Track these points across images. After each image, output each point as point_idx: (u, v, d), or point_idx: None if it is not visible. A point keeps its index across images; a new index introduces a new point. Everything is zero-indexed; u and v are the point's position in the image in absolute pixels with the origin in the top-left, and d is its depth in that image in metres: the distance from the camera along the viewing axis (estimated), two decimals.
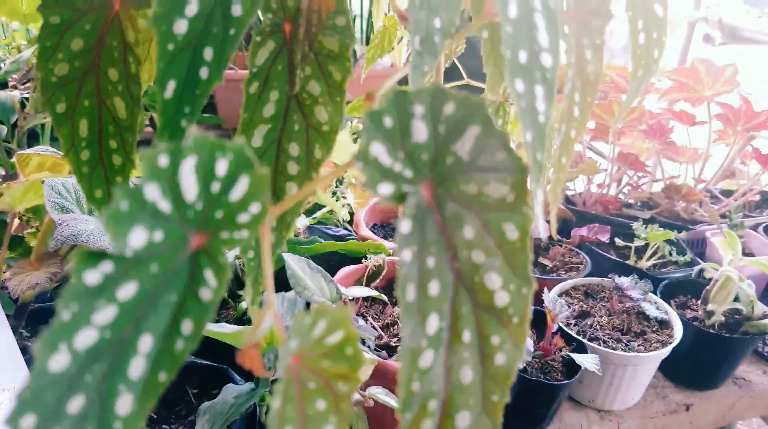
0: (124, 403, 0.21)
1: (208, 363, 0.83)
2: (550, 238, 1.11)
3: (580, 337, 0.91)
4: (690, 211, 1.20)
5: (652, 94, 1.26)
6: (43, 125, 1.19)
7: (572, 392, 0.96)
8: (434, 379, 0.26)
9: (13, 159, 0.83)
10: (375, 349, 0.85)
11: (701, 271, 1.04)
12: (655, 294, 0.99)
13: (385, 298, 0.88)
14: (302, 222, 1.00)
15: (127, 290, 0.20)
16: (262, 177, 0.22)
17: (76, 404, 0.20)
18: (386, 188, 0.23)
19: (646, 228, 1.05)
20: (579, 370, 0.85)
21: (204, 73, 0.28)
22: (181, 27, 0.27)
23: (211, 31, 0.28)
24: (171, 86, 0.28)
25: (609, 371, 0.90)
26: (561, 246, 1.12)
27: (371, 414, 0.79)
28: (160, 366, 0.22)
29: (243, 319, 0.99)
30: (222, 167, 0.21)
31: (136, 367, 0.21)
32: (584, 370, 0.85)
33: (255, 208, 0.22)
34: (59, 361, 0.19)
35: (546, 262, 1.12)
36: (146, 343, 0.21)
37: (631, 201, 1.27)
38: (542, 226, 0.26)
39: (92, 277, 0.19)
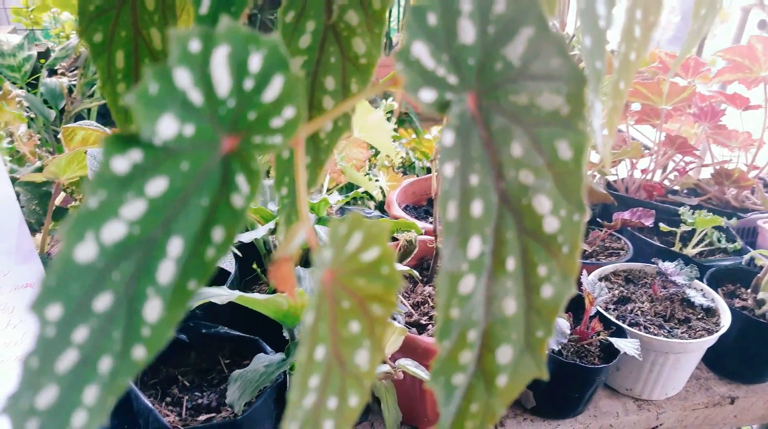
0: (153, 308, 0.20)
1: (240, 334, 0.82)
2: (589, 222, 1.07)
3: (619, 322, 0.88)
4: (741, 198, 1.15)
5: (701, 79, 1.21)
6: (89, 110, 1.22)
7: (609, 379, 0.93)
8: (474, 307, 0.24)
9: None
10: (405, 326, 0.84)
11: (752, 259, 0.99)
12: (701, 281, 0.95)
13: (417, 274, 0.87)
14: (334, 199, 0.99)
15: (157, 185, 0.19)
16: (297, 79, 0.21)
17: (103, 302, 0.19)
18: (428, 94, 0.22)
19: (693, 213, 1.01)
20: (617, 355, 0.82)
21: None
22: None
23: None
24: (206, 2, 0.27)
25: (649, 358, 0.86)
26: (601, 230, 1.08)
27: (399, 388, 0.78)
28: (190, 273, 0.20)
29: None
30: (255, 62, 0.20)
31: (166, 271, 0.20)
32: (622, 355, 0.82)
33: (289, 112, 0.21)
34: (86, 252, 0.18)
35: (585, 246, 1.08)
36: (176, 246, 0.20)
37: (677, 187, 1.22)
38: (600, 142, 0.24)
39: (121, 164, 0.18)
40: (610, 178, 1.26)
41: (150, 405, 0.72)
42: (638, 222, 1.00)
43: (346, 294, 0.22)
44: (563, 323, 0.88)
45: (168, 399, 0.80)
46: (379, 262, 0.22)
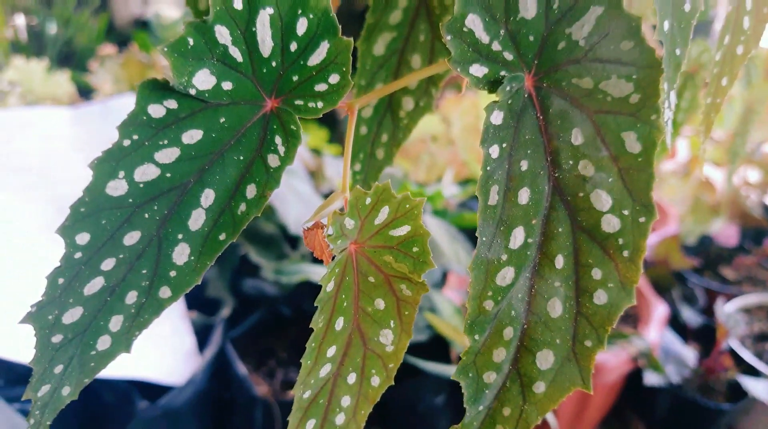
0: (181, 252, 0.21)
1: None
2: (737, 247, 0.96)
3: (755, 362, 0.78)
4: None
5: None
6: None
7: (735, 423, 0.83)
8: (514, 303, 0.22)
9: None
10: None
11: None
12: None
13: None
14: (450, 191, 0.98)
15: (193, 135, 0.20)
16: (346, 45, 0.20)
17: (133, 237, 0.20)
18: (479, 69, 0.20)
19: None
20: (745, 397, 0.73)
21: None
22: None
23: None
24: None
25: None
26: (749, 256, 0.97)
27: None
28: (221, 225, 0.21)
29: None
30: (302, 26, 0.20)
31: (197, 219, 0.21)
32: (751, 399, 0.73)
33: (334, 78, 0.21)
34: (117, 187, 0.19)
35: (728, 272, 0.97)
36: (209, 196, 0.21)
37: None
38: (669, 142, 0.21)
39: (156, 109, 0.19)
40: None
41: (245, 373, 0.76)
42: None
43: (373, 269, 0.22)
44: (687, 353, 0.81)
45: (264, 369, 0.84)
46: (410, 240, 0.21)
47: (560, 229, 0.22)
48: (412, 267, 0.22)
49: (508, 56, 0.20)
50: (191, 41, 0.18)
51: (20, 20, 1.91)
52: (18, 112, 0.84)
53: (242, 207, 0.21)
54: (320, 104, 0.21)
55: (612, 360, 0.74)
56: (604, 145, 0.21)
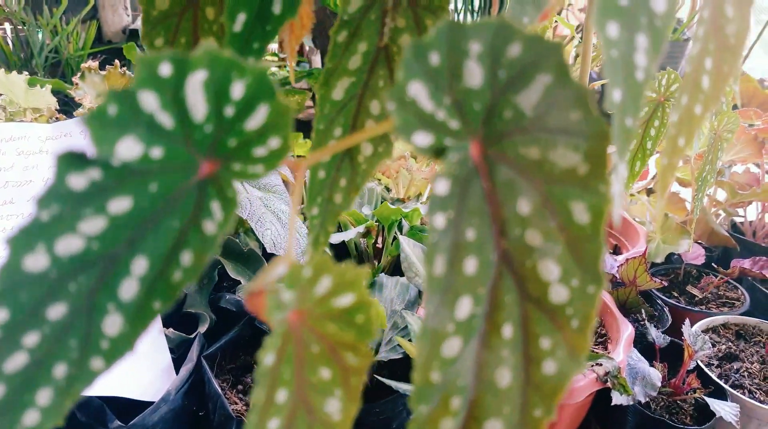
0: (113, 323, 0.20)
1: None
2: (704, 265, 0.97)
3: (720, 382, 0.79)
4: None
5: None
6: None
7: None
8: (461, 373, 0.22)
9: None
10: None
11: None
12: None
13: None
14: (426, 210, 0.98)
15: (120, 204, 0.19)
16: (285, 109, 0.20)
17: (57, 311, 0.19)
18: (423, 138, 0.20)
19: None
20: (712, 418, 0.74)
21: (277, 7, 0.26)
22: None
23: None
24: (241, 19, 0.26)
25: (751, 428, 0.77)
26: (716, 276, 0.98)
27: None
28: (155, 293, 0.20)
29: None
30: (238, 90, 0.19)
31: (128, 289, 0.20)
32: (718, 419, 0.73)
33: (275, 142, 0.20)
34: (36, 261, 0.18)
35: (695, 291, 0.98)
36: (141, 265, 0.20)
37: None
38: (617, 214, 0.21)
39: (77, 181, 0.18)
40: (737, 220, 1.14)
41: (219, 391, 0.75)
42: (759, 273, 0.89)
43: (316, 338, 0.21)
44: (654, 373, 0.81)
45: (239, 387, 0.83)
46: (354, 309, 0.21)
47: (508, 299, 0.21)
48: (356, 337, 0.21)
49: (454, 125, 0.20)
50: (112, 110, 0.17)
51: (7, 28, 1.87)
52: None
53: (177, 275, 0.20)
54: (260, 168, 0.20)
55: (581, 380, 0.74)
56: (552, 215, 0.20)
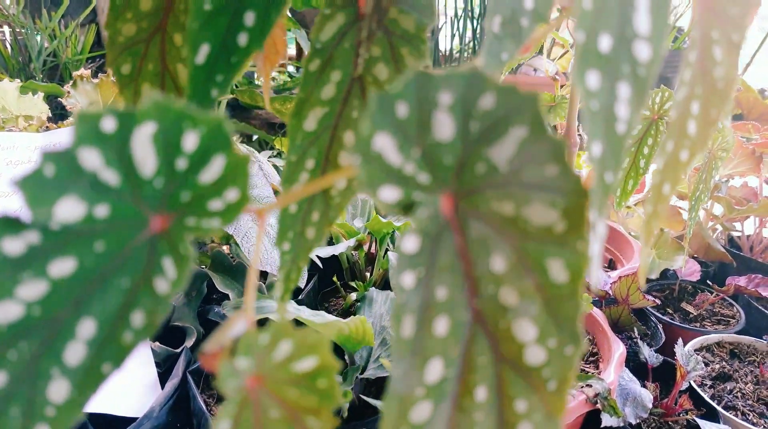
0: (59, 389, 0.19)
1: None
2: (700, 281, 0.96)
3: (713, 403, 0.77)
4: None
5: None
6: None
7: None
8: None
9: None
10: None
11: None
12: None
13: None
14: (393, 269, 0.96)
15: (63, 266, 0.17)
16: (243, 160, 0.18)
17: None
18: (390, 193, 0.18)
19: None
20: None
21: (243, 39, 0.25)
22: None
23: None
24: (204, 50, 0.25)
25: None
26: (711, 293, 0.97)
27: None
28: (104, 356, 0.19)
29: (349, 311, 0.98)
30: (191, 142, 0.18)
31: (74, 353, 0.19)
32: None
33: (232, 194, 0.19)
34: None
35: (690, 308, 0.97)
36: (88, 328, 0.19)
37: None
38: (596, 275, 0.20)
39: (13, 245, 0.16)
40: (734, 234, 1.13)
41: (204, 408, 0.74)
42: (755, 291, 0.88)
43: (275, 403, 0.20)
44: (646, 394, 0.80)
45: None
46: (316, 374, 0.19)
47: (481, 360, 0.20)
48: (318, 402, 0.20)
49: (423, 179, 0.19)
50: (49, 171, 0.16)
51: (6, 32, 1.86)
52: None
53: (128, 336, 0.19)
54: (216, 222, 0.19)
55: (570, 402, 0.73)
56: (527, 273, 0.19)
